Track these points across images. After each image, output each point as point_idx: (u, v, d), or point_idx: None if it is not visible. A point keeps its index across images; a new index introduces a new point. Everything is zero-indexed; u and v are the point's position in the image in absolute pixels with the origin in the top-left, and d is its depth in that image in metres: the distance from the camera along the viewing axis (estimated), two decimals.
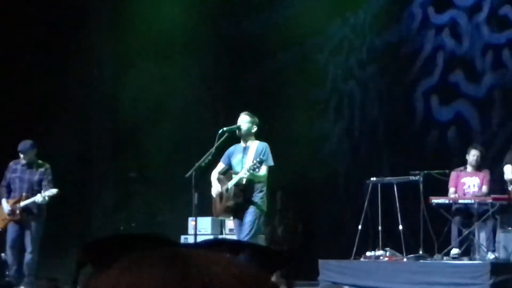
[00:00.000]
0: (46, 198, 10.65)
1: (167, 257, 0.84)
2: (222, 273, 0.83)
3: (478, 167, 11.84)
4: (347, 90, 14.82)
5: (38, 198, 10.66)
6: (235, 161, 9.47)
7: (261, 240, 10.59)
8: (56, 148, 12.45)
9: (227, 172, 9.56)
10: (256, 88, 14.48)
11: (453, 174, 11.90)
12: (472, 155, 11.78)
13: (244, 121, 9.44)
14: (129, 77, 14.56)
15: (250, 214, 9.26)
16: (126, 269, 0.83)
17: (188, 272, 0.82)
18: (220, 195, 9.46)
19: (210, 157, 9.38)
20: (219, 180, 9.55)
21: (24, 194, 10.79)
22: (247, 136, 9.42)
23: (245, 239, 9.17)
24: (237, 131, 9.43)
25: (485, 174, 11.83)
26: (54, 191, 10.64)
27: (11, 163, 10.98)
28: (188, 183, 9.45)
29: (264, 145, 9.39)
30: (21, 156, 10.83)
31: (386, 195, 12.15)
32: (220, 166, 9.60)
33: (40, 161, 10.94)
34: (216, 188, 9.51)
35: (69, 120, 13.83)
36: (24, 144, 10.85)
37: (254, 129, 9.45)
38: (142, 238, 0.91)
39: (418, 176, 11.83)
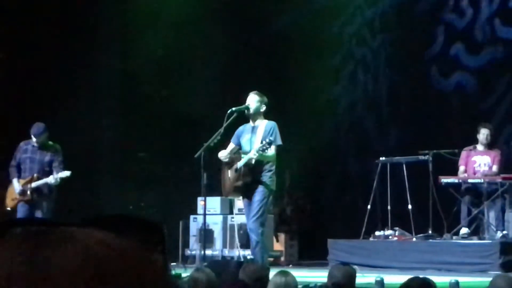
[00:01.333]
0: (58, 179, 10.66)
1: (30, 241, 0.82)
2: (104, 252, 0.82)
3: (489, 146, 11.78)
4: (359, 58, 14.77)
5: (51, 179, 10.66)
6: (244, 141, 9.46)
7: (270, 219, 10.59)
8: (66, 129, 12.46)
9: (237, 152, 9.55)
10: (264, 65, 14.44)
11: (464, 153, 11.86)
12: (482, 134, 11.73)
13: (253, 100, 9.41)
14: (137, 52, 14.55)
15: (259, 194, 9.25)
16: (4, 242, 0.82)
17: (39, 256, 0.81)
18: (230, 166, 9.43)
19: (219, 137, 9.38)
20: (230, 159, 9.51)
21: (35, 175, 10.80)
22: (255, 115, 9.40)
23: (254, 218, 9.19)
24: (245, 111, 9.41)
25: (496, 153, 11.78)
26: (67, 173, 10.64)
27: (21, 144, 10.99)
28: (197, 163, 9.45)
29: (272, 124, 9.36)
30: (33, 139, 10.83)
31: (395, 174, 12.14)
32: (231, 146, 9.59)
33: (51, 143, 10.95)
34: (223, 154, 9.43)
35: (79, 101, 13.85)
36: (38, 127, 10.84)
37: (263, 108, 9.42)
38: (16, 222, 0.87)
39: (427, 156, 11.81)
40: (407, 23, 14.16)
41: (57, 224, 0.86)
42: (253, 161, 9.30)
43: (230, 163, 9.48)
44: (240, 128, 9.57)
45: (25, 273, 0.80)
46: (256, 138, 9.34)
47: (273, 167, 9.37)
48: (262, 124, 9.37)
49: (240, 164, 9.36)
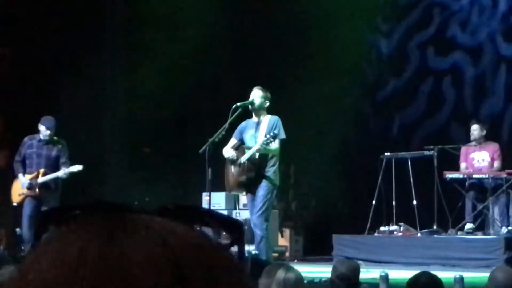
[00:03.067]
0: (67, 173, 10.65)
1: (105, 227, 0.80)
2: (180, 244, 0.80)
3: (484, 141, 11.76)
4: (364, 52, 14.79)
5: (61, 173, 10.65)
6: (247, 136, 9.46)
7: (275, 215, 10.59)
8: (70, 125, 12.48)
9: (240, 147, 9.55)
10: (269, 58, 14.43)
11: (463, 149, 11.86)
12: (473, 130, 11.72)
13: (257, 95, 9.42)
14: (141, 50, 14.56)
15: (263, 189, 9.25)
16: (51, 241, 0.80)
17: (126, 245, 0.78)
18: (233, 161, 9.44)
19: (223, 133, 9.38)
20: (234, 158, 9.51)
21: (42, 169, 10.80)
22: (259, 110, 9.40)
23: (258, 213, 9.20)
24: (249, 106, 9.42)
25: (494, 147, 11.74)
26: (79, 167, 10.63)
27: (26, 139, 10.99)
28: (202, 158, 9.46)
29: (275, 118, 9.37)
30: (45, 132, 10.79)
31: (400, 170, 12.13)
32: (232, 141, 9.59)
33: (56, 138, 10.95)
34: (227, 152, 9.45)
35: (83, 96, 13.86)
36: (50, 120, 10.85)
37: (267, 104, 9.43)
38: (89, 205, 0.85)
39: (432, 151, 11.80)
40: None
41: (134, 211, 0.84)
42: (257, 156, 9.30)
43: (233, 159, 9.49)
44: (243, 123, 9.57)
45: (97, 260, 0.78)
46: (260, 133, 9.34)
47: (277, 162, 9.37)
48: (266, 119, 9.38)
49: (243, 158, 9.36)
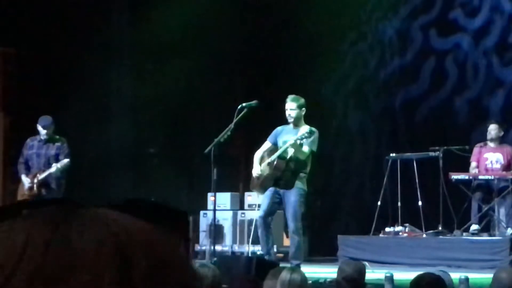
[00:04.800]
0: (59, 167, 10.66)
1: (52, 217, 0.82)
2: (124, 231, 0.82)
3: (500, 142, 11.74)
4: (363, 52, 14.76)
5: (53, 170, 10.69)
6: (282, 141, 9.43)
7: (280, 215, 10.59)
8: (76, 124, 12.50)
9: (272, 151, 9.52)
10: (274, 59, 14.41)
11: (476, 149, 11.81)
12: (491, 130, 11.70)
13: (291, 108, 9.36)
14: (147, 51, 14.56)
15: (294, 195, 9.30)
16: (19, 223, 0.82)
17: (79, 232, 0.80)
18: (258, 176, 9.46)
19: (229, 133, 9.38)
20: (262, 158, 9.52)
21: (41, 168, 10.83)
22: (297, 121, 9.37)
23: (292, 219, 9.35)
24: (289, 120, 9.38)
25: (509, 150, 11.72)
26: (65, 161, 10.67)
27: (28, 140, 11.03)
28: (207, 158, 9.46)
29: (313, 130, 9.27)
30: (42, 131, 10.85)
31: (405, 171, 12.12)
32: (267, 144, 9.58)
33: (57, 136, 10.98)
34: (256, 170, 9.48)
35: (88, 95, 13.87)
36: (46, 119, 10.90)
37: (303, 111, 9.40)
38: (39, 202, 0.87)
39: (438, 152, 11.79)
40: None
41: (84, 206, 0.86)
42: (288, 156, 9.28)
43: (262, 159, 9.49)
44: (279, 128, 9.57)
45: (39, 254, 0.79)
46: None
47: (307, 170, 9.37)
48: (304, 128, 9.31)
49: (275, 155, 9.34)
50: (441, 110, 13.62)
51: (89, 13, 14.08)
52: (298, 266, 8.84)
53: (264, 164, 9.44)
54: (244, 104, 9.41)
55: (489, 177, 11.48)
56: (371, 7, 14.46)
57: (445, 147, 11.83)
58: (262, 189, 9.59)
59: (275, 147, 9.49)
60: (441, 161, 11.74)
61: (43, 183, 10.82)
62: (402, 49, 14.28)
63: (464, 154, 11.86)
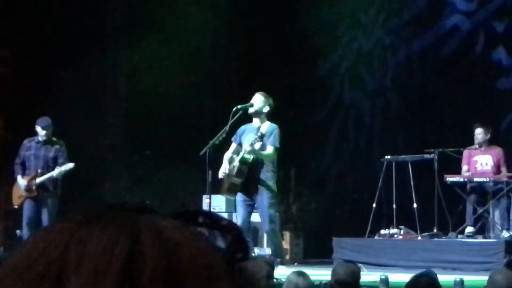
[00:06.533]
0: (62, 171, 10.65)
1: (122, 221, 0.83)
2: (181, 249, 0.82)
3: (488, 145, 11.73)
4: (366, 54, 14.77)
5: (55, 172, 10.67)
6: (245, 140, 9.47)
7: (276, 218, 10.60)
8: (71, 126, 12.48)
9: (240, 152, 9.56)
10: (272, 61, 14.41)
11: (466, 152, 11.83)
12: (476, 134, 11.69)
13: (257, 100, 9.45)
14: (142, 52, 14.55)
15: (265, 198, 9.39)
16: (78, 224, 0.83)
17: (138, 239, 0.81)
18: (227, 175, 9.53)
19: (224, 135, 9.38)
20: (231, 159, 9.58)
21: (39, 170, 10.80)
22: (257, 114, 9.42)
23: (266, 222, 9.47)
24: (249, 109, 9.45)
25: (499, 152, 11.72)
26: (71, 165, 10.66)
27: (25, 141, 11.00)
28: (202, 160, 9.46)
29: (273, 126, 9.42)
30: (42, 132, 10.82)
31: (400, 173, 12.12)
32: (233, 146, 9.62)
33: (54, 139, 10.96)
34: (222, 169, 9.55)
35: (83, 97, 13.86)
36: (45, 120, 10.87)
37: (266, 109, 9.44)
38: (114, 205, 0.89)
39: (433, 154, 11.80)
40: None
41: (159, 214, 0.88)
42: (250, 159, 9.35)
43: (232, 160, 9.55)
44: (242, 127, 9.60)
45: (58, 255, 0.81)
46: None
47: (274, 169, 9.44)
48: (265, 126, 9.41)
49: (236, 160, 9.41)
50: (438, 112, 13.64)
51: (84, 15, 14.07)
52: (281, 263, 9.23)
53: (231, 167, 9.52)
54: (239, 107, 9.42)
55: (484, 179, 11.49)
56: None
57: (440, 150, 11.83)
58: (232, 194, 9.69)
59: (241, 147, 9.55)
60: (436, 163, 11.74)
61: (41, 185, 10.79)
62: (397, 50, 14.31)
63: (459, 156, 11.86)
